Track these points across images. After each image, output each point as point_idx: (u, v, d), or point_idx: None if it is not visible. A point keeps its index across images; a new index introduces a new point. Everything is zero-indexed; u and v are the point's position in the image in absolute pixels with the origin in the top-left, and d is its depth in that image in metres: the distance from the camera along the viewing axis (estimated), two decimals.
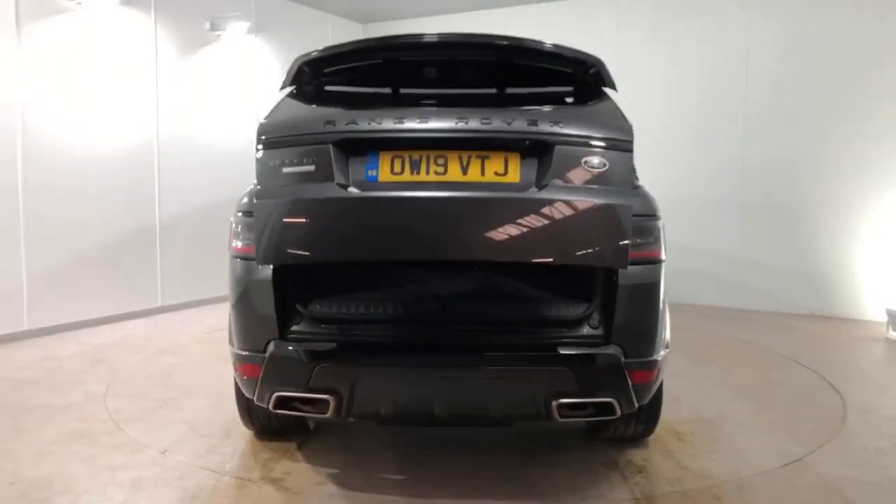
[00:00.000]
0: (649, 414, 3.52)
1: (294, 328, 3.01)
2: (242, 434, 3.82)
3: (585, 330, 2.99)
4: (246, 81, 7.95)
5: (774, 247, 7.49)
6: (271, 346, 2.96)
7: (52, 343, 5.83)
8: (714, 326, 6.79)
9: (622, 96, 4.09)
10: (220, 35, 7.54)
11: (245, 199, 3.13)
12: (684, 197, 7.63)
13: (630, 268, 2.96)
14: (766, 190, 7.50)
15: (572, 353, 2.92)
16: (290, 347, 2.95)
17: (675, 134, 7.79)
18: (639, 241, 2.98)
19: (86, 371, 5.06)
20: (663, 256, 3.07)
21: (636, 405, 3.03)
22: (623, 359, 2.93)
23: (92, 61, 6.40)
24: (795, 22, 7.27)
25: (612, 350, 2.93)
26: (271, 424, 3.65)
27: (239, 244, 3.09)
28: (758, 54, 7.46)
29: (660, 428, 3.72)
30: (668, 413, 3.87)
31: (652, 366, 3.05)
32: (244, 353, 3.07)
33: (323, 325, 3.01)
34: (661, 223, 3.07)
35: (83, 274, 6.42)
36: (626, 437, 3.69)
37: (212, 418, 4.10)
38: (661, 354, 3.11)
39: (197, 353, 5.67)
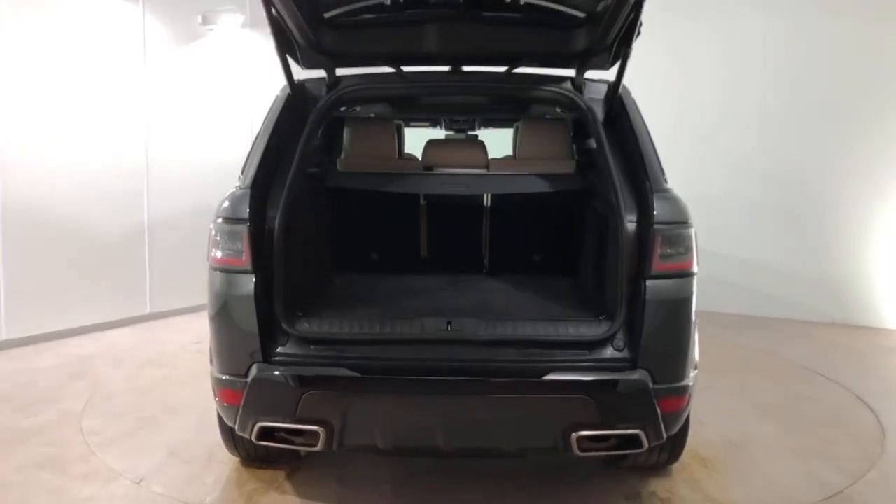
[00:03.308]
0: (675, 440, 3.17)
1: (279, 350, 2.69)
2: (227, 460, 3.48)
3: (609, 352, 2.66)
4: (239, 78, 7.60)
5: (792, 252, 7.14)
6: (254, 370, 2.64)
7: (30, 355, 5.48)
8: (731, 335, 6.43)
9: (636, 98, 3.75)
10: (212, 29, 7.19)
11: (226, 204, 2.80)
12: (699, 200, 7.15)
13: (658, 282, 2.64)
14: (784, 193, 7.15)
15: (594, 378, 2.60)
16: (275, 372, 2.63)
17: (691, 136, 7.42)
18: (668, 251, 2.66)
19: (63, 386, 4.73)
20: (695, 268, 2.74)
21: (665, 436, 2.70)
22: (651, 385, 2.60)
23: (77, 56, 6.06)
24: (812, 24, 6.93)
25: (638, 375, 2.61)
26: (258, 451, 3.31)
27: (219, 254, 2.76)
28: (774, 56, 7.12)
29: (684, 454, 3.37)
30: (692, 436, 3.50)
31: (682, 392, 2.73)
32: (224, 378, 2.74)
33: (312, 347, 2.69)
34: (692, 231, 2.74)
35: (67, 280, 6.07)
36: (649, 466, 3.35)
37: (195, 441, 3.77)
38: (691, 378, 2.78)
39: (184, 364, 5.33)
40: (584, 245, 3.57)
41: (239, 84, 7.56)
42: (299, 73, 3.29)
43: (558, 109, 3.94)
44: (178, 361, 5.43)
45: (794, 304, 7.12)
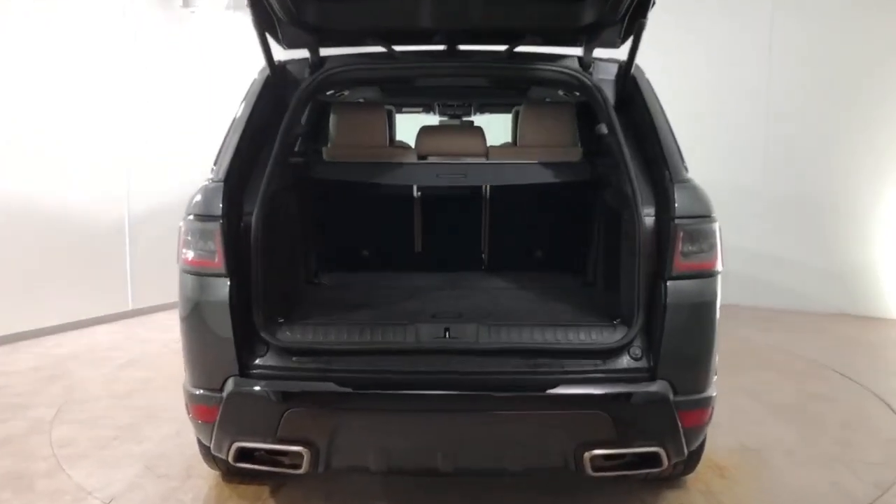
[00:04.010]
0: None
1: (258, 362, 2.42)
2: (207, 475, 3.22)
3: (625, 361, 2.40)
4: (225, 63, 7.26)
5: (800, 241, 6.93)
6: (229, 385, 2.38)
7: (4, 355, 5.19)
8: (738, 328, 6.19)
9: None
10: (193, 11, 6.86)
11: (197, 199, 2.52)
12: (704, 187, 7.01)
13: (680, 283, 2.38)
14: (791, 181, 6.92)
15: (609, 391, 2.33)
16: (253, 387, 2.36)
17: (696, 122, 7.13)
18: (691, 248, 2.39)
19: (37, 390, 4.45)
20: (720, 267, 2.47)
21: (686, 452, 2.45)
22: (672, 397, 2.35)
23: (47, 39, 5.73)
24: (821, 6, 6.69)
25: (658, 387, 2.36)
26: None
27: (190, 255, 2.48)
28: (781, 40, 6.87)
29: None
30: (707, 441, 3.27)
31: (705, 404, 2.48)
32: (197, 392, 2.47)
33: (294, 358, 2.42)
34: (717, 225, 2.48)
35: (45, 274, 5.77)
36: (663, 477, 3.09)
37: (173, 452, 3.51)
38: (714, 388, 2.53)
39: (167, 365, 5.04)
40: (593, 240, 3.30)
41: (224, 70, 7.23)
42: (281, 55, 3.00)
43: (561, 92, 3.65)
44: (160, 362, 5.15)
45: (803, 296, 6.92)
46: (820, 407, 4.26)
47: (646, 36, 2.69)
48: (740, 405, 4.22)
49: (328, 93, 3.47)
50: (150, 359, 5.25)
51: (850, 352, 5.50)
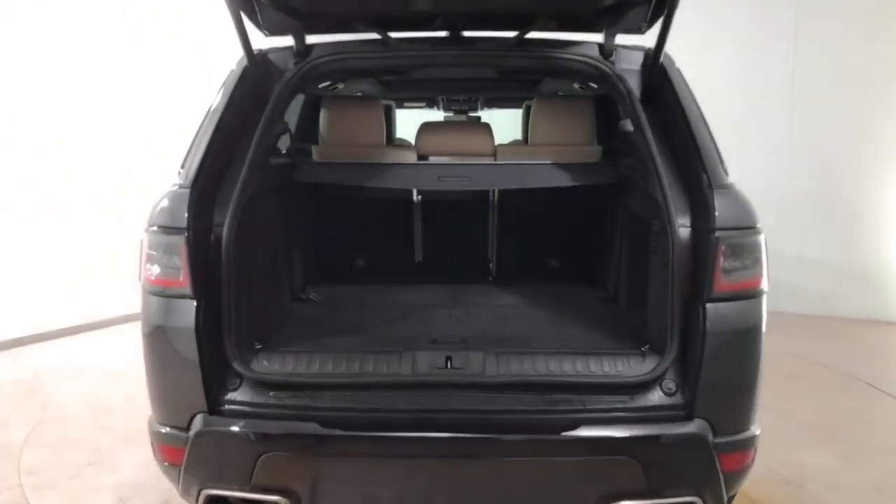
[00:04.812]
0: None
1: (230, 396, 2.10)
2: None
3: (657, 397, 2.06)
4: (223, 53, 6.92)
5: (826, 242, 6.59)
6: (197, 423, 2.07)
7: None
8: None
9: None
10: None
11: (161, 207, 2.19)
12: None
13: (721, 305, 2.04)
14: (816, 179, 6.57)
15: (638, 433, 2.01)
16: (224, 426, 2.05)
17: (716, 118, 6.77)
18: (733, 265, 2.05)
19: (13, 407, 4.18)
20: (765, 286, 2.13)
21: (726, 500, 2.12)
22: (711, 438, 2.01)
23: (47, 39, 5.50)
24: (846, 2, 6.34)
25: (695, 427, 2.03)
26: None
27: (153, 272, 2.16)
28: (806, 33, 6.51)
29: None
30: None
31: (748, 445, 2.16)
32: (162, 430, 2.16)
33: (272, 393, 2.10)
34: (762, 237, 2.13)
35: (33, 279, 5.50)
36: None
37: (150, 481, 3.20)
38: (758, 425, 2.20)
39: None
40: (615, 250, 2.96)
41: (222, 58, 6.90)
42: (261, 42, 2.67)
43: (576, 85, 3.30)
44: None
45: (829, 300, 6.59)
46: (857, 427, 3.92)
47: (680, 47, 2.36)
48: (770, 425, 3.78)
49: (320, 86, 3.14)
50: (137, 370, 4.92)
51: (880, 361, 5.17)
